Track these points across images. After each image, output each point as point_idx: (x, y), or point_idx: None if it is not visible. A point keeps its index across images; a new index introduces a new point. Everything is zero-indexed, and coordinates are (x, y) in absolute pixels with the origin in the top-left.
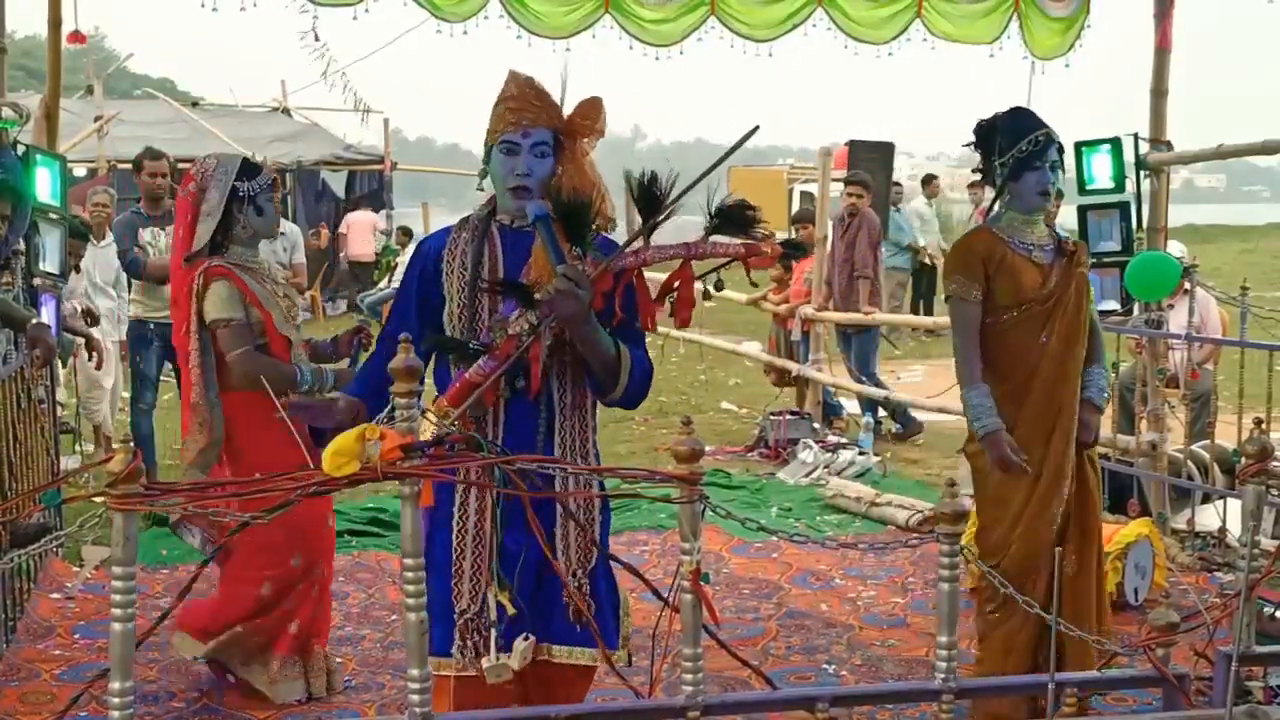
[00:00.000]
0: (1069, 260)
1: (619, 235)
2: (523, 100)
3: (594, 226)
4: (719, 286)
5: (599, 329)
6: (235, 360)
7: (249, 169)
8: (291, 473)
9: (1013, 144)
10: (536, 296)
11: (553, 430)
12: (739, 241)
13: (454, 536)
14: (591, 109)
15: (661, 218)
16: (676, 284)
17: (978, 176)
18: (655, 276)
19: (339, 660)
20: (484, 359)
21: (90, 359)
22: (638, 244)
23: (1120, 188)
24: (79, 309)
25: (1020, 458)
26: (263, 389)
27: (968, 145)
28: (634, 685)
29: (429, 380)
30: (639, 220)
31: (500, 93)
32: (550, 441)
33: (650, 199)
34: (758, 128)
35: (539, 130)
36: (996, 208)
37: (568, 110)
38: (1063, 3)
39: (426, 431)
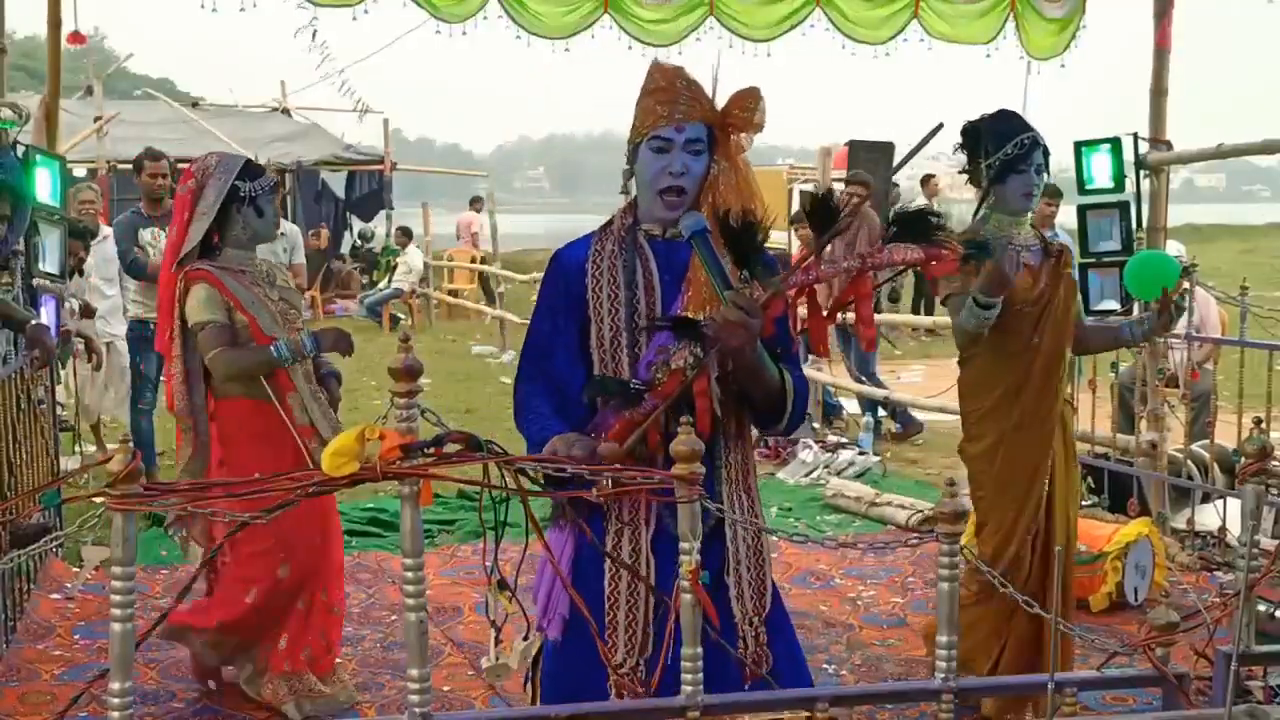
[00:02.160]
0: (1055, 262)
1: None
2: (674, 91)
3: (761, 244)
4: (894, 298)
5: (765, 358)
6: (211, 361)
7: (251, 170)
8: (290, 472)
9: (999, 147)
10: (703, 328)
11: (717, 468)
12: (917, 247)
13: (606, 583)
14: (750, 99)
15: (838, 229)
16: (851, 299)
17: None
18: None
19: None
20: (647, 399)
21: (90, 360)
22: (807, 260)
23: (1120, 187)
24: (76, 306)
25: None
26: (257, 393)
27: (956, 147)
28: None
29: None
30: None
31: (645, 85)
32: (714, 479)
33: (825, 212)
34: (941, 126)
35: (693, 125)
36: (983, 210)
37: (720, 104)
38: (1058, 3)
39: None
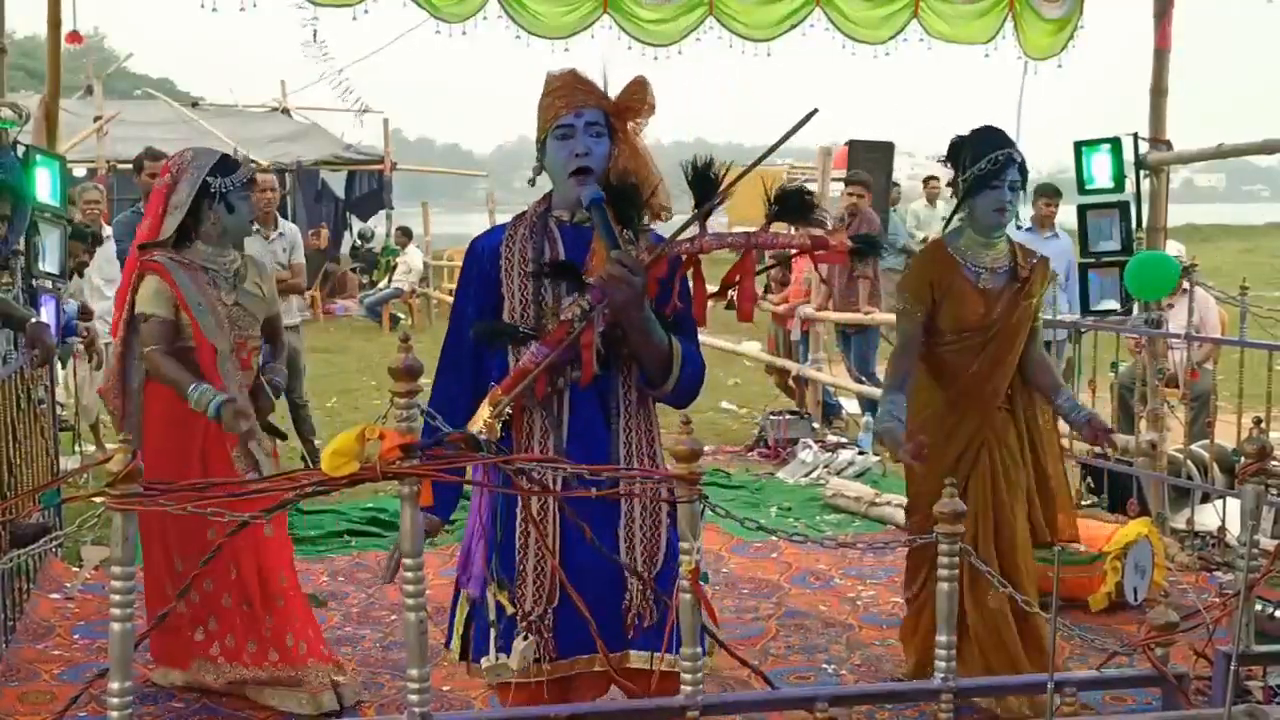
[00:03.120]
0: (1020, 287)
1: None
2: (570, 86)
3: (646, 209)
4: (784, 282)
5: (652, 318)
6: (146, 356)
7: (225, 165)
8: (285, 474)
9: (974, 162)
10: (589, 281)
11: (614, 431)
12: (805, 233)
13: (517, 538)
14: (638, 86)
15: (717, 202)
16: (737, 277)
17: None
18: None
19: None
20: (535, 345)
21: (90, 360)
22: (693, 230)
23: (1120, 187)
24: (76, 307)
25: (906, 446)
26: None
27: (942, 160)
28: (629, 685)
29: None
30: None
31: (543, 90)
32: (610, 441)
33: (705, 183)
34: (816, 111)
35: (591, 110)
36: (956, 223)
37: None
38: (1057, 3)
39: (479, 421)
